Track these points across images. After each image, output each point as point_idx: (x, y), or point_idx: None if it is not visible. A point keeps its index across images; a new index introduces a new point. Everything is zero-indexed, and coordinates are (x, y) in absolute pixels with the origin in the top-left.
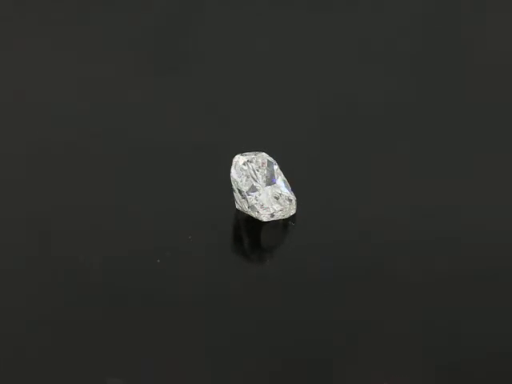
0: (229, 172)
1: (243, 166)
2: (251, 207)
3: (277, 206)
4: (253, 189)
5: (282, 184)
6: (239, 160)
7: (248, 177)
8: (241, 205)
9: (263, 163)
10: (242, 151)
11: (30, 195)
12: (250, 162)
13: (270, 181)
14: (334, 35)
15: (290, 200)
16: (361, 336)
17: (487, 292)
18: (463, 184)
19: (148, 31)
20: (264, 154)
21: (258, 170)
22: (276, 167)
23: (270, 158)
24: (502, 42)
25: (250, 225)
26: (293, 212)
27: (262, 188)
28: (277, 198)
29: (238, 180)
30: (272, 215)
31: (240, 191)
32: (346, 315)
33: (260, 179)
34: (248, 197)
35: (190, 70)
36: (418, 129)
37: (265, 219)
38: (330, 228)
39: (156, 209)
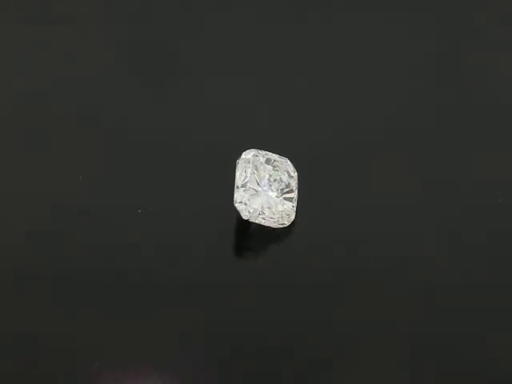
0: (229, 172)
1: (253, 164)
2: (236, 199)
3: (269, 212)
4: (245, 186)
5: (291, 199)
6: (252, 156)
7: (249, 175)
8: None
9: (282, 171)
10: (241, 151)
11: (30, 193)
12: (268, 163)
13: (280, 191)
14: (334, 37)
15: (288, 216)
16: (361, 336)
17: (489, 292)
18: (464, 184)
19: (147, 30)
20: (289, 161)
21: (272, 175)
22: (295, 180)
23: (293, 169)
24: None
25: (249, 225)
26: (280, 227)
27: (261, 191)
28: (276, 207)
29: (237, 174)
30: (253, 216)
31: (236, 184)
32: (346, 315)
33: (265, 184)
34: (237, 189)
35: (190, 69)
36: (419, 129)
37: (244, 217)
38: (330, 228)
39: (156, 209)
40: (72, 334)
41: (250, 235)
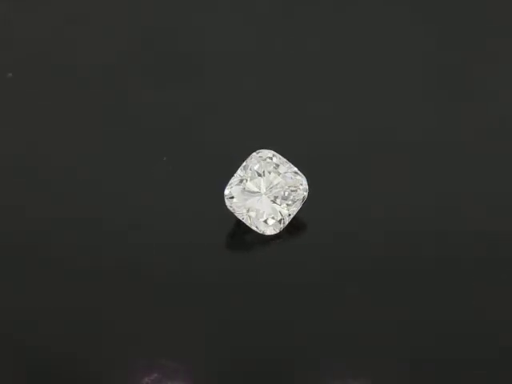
0: (232, 172)
1: (263, 164)
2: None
3: (255, 217)
4: (242, 183)
5: (286, 213)
6: (266, 157)
7: (254, 177)
8: None
9: (297, 187)
10: (246, 150)
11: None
12: (285, 171)
13: (280, 201)
14: (339, 38)
15: (273, 227)
16: (361, 336)
17: (490, 291)
18: (464, 185)
19: (157, 30)
20: (305, 180)
21: (285, 184)
22: (302, 200)
23: (306, 188)
24: None
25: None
26: (263, 233)
27: (259, 193)
28: (266, 213)
29: (244, 168)
30: (233, 209)
31: (237, 175)
32: (346, 315)
33: (273, 187)
34: (234, 181)
35: (203, 69)
36: (419, 130)
37: (229, 208)
38: (331, 228)
39: (158, 208)
40: (70, 335)
41: (247, 234)
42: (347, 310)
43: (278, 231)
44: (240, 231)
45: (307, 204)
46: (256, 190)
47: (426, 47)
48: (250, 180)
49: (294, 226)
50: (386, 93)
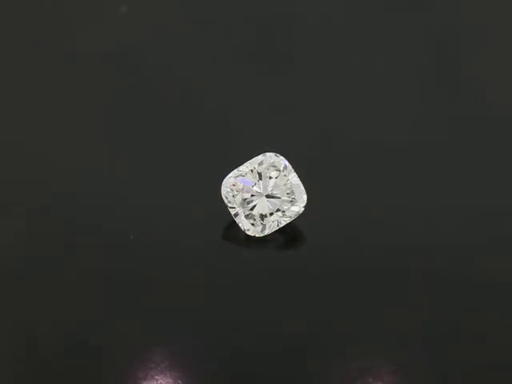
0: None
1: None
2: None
3: (245, 214)
4: (244, 177)
5: (281, 221)
6: (279, 166)
7: (258, 180)
8: None
9: (298, 198)
10: (253, 149)
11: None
12: (291, 183)
13: (281, 211)
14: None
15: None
16: (361, 335)
17: (489, 291)
18: (465, 186)
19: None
20: (305, 196)
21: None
22: (298, 214)
23: (303, 204)
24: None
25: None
26: (248, 232)
27: (260, 195)
28: (257, 218)
29: (247, 168)
30: (227, 200)
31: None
32: (344, 314)
33: (276, 192)
34: (237, 172)
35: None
36: (418, 132)
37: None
38: (331, 228)
39: (172, 204)
40: (69, 336)
41: (241, 233)
42: (347, 309)
43: (261, 235)
44: (235, 229)
45: (308, 204)
46: (256, 190)
47: (425, 48)
48: (251, 179)
49: (289, 229)
50: (385, 94)
